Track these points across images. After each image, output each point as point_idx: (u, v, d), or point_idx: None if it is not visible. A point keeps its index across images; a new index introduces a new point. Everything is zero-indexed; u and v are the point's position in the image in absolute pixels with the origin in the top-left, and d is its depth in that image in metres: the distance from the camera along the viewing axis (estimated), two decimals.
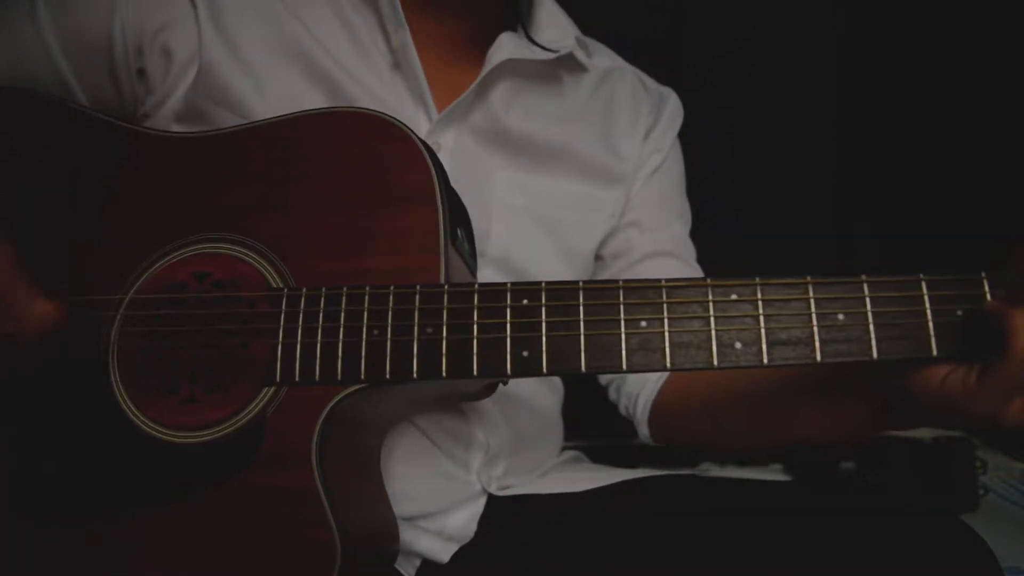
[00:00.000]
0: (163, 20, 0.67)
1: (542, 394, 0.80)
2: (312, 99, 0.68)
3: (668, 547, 0.61)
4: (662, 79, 0.89)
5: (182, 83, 0.67)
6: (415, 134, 0.59)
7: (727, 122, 1.43)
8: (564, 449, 0.87)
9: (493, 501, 0.74)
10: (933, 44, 1.36)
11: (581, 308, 0.53)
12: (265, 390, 0.56)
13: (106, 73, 0.68)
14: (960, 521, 0.56)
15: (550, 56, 0.75)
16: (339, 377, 0.55)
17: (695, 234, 0.88)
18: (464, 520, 0.72)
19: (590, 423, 0.93)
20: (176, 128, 0.68)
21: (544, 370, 0.52)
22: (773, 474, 1.31)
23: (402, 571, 0.68)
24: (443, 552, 0.69)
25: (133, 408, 0.57)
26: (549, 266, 0.76)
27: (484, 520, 0.72)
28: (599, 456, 0.87)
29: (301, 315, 0.56)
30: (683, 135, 0.88)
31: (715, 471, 1.15)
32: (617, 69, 0.85)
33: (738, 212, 1.43)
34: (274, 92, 0.67)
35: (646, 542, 0.62)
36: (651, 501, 0.68)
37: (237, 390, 0.56)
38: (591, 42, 0.83)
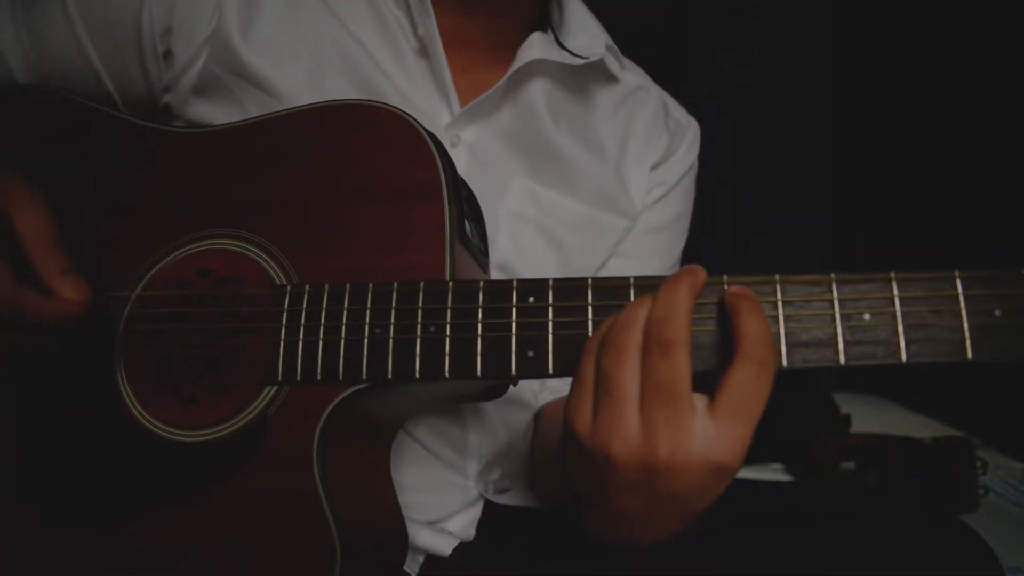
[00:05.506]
0: None
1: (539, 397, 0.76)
2: (334, 80, 0.65)
3: (669, 547, 0.56)
4: (661, 74, 0.84)
5: (201, 54, 0.64)
6: (422, 126, 0.55)
7: (727, 117, 1.39)
8: None
9: (491, 505, 0.70)
10: (934, 37, 1.31)
11: (589, 308, 0.48)
12: (267, 389, 0.52)
13: (134, 58, 0.65)
14: (963, 523, 0.52)
15: (580, 62, 0.71)
16: (340, 376, 0.50)
17: (694, 231, 0.83)
18: (463, 525, 0.69)
19: None
20: (195, 103, 0.65)
21: (550, 371, 0.48)
22: (774, 474, 1.26)
23: (405, 567, 0.65)
24: (444, 546, 0.66)
25: (138, 405, 0.54)
26: None
27: (482, 524, 0.69)
28: None
29: (304, 313, 0.52)
30: None
31: None
32: (643, 89, 0.80)
33: (737, 208, 1.38)
34: (295, 68, 0.64)
35: None
36: None
37: (239, 389, 0.52)
38: (624, 59, 0.78)
